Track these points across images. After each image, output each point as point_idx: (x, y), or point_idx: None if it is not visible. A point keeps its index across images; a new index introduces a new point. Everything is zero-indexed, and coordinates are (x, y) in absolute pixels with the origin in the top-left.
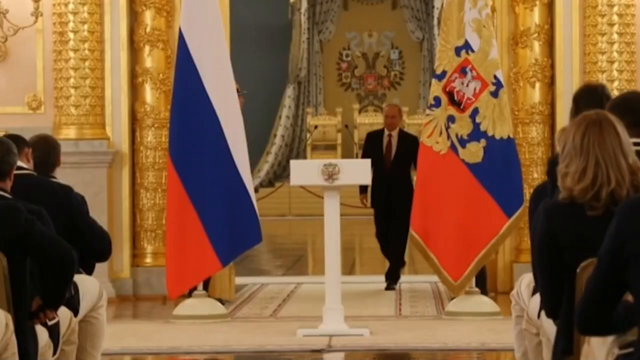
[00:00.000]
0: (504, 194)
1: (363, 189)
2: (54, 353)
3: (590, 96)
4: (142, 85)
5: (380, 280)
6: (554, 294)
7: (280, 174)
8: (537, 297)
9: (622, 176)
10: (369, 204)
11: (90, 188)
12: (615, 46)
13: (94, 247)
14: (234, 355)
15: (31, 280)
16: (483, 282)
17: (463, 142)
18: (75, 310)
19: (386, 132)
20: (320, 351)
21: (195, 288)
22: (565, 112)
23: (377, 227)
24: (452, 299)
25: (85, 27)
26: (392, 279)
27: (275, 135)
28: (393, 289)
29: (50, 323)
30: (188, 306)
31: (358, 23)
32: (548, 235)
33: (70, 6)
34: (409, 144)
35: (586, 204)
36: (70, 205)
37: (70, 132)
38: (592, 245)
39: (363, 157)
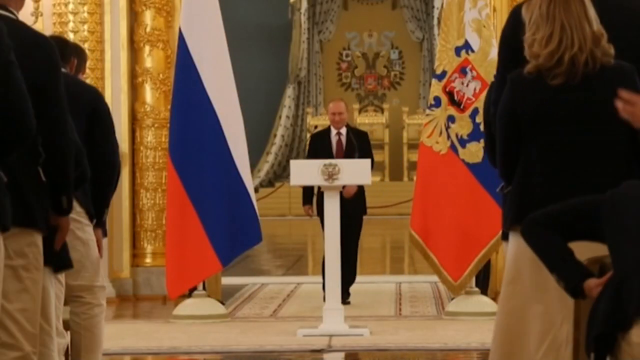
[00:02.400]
0: None
1: (307, 199)
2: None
3: None
4: (142, 85)
5: (380, 280)
6: (512, 162)
7: (280, 174)
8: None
9: (584, 40)
10: (314, 212)
11: None
12: None
13: (106, 154)
14: (234, 355)
15: None
16: (485, 283)
17: (463, 142)
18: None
19: (334, 131)
20: (320, 351)
21: (195, 288)
22: None
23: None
24: (452, 299)
25: (85, 27)
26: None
27: (275, 135)
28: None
29: None
30: (188, 306)
31: (358, 23)
32: (510, 108)
33: (70, 6)
34: (360, 140)
35: (550, 72)
36: (102, 107)
37: None
38: (550, 118)
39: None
